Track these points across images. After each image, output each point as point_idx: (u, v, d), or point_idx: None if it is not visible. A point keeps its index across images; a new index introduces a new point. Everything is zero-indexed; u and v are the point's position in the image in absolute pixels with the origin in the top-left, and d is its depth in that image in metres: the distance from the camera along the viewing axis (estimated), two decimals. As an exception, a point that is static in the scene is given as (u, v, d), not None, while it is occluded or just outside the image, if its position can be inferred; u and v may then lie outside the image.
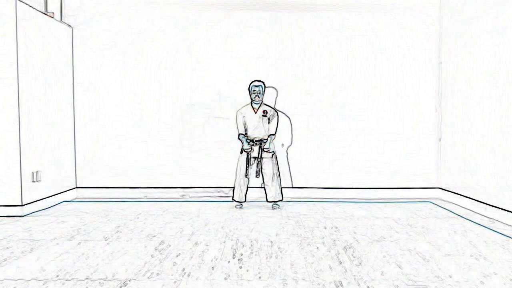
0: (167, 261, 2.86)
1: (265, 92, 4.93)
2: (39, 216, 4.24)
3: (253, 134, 4.67)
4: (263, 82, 4.72)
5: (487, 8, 4.19)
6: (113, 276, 2.57)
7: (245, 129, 4.71)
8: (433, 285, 2.45)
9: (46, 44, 4.64)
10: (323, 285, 2.45)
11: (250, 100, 4.79)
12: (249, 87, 4.72)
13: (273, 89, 5.20)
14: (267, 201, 4.69)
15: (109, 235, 3.53)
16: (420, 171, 5.25)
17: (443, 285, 2.44)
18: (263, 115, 4.68)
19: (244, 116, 4.71)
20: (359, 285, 2.44)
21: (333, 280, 2.52)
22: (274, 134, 4.71)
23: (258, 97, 4.65)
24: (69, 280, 2.50)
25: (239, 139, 4.72)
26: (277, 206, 4.71)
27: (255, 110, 4.69)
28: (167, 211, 4.51)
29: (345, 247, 3.20)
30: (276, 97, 5.21)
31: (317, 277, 2.56)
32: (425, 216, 4.26)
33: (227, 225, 3.88)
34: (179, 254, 3.02)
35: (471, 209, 4.50)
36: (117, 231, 3.64)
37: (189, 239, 3.40)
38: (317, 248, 3.17)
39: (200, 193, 5.29)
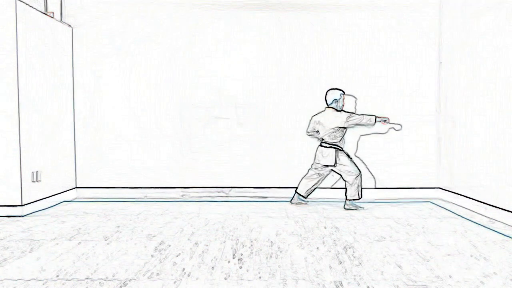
0: (167, 261, 2.86)
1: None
2: (39, 216, 4.24)
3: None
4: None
5: (487, 7, 4.19)
6: (113, 276, 2.57)
7: (317, 133, 4.81)
8: (433, 285, 2.45)
9: (46, 44, 4.63)
10: (323, 285, 2.45)
11: (332, 108, 4.76)
12: (339, 95, 4.74)
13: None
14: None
15: (109, 235, 3.53)
16: (420, 171, 5.25)
17: (443, 285, 2.44)
18: None
19: None
20: (359, 285, 2.44)
21: (333, 280, 2.52)
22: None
23: None
24: (69, 280, 2.50)
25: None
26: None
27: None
28: (167, 211, 4.51)
29: (345, 247, 3.20)
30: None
31: (317, 277, 2.56)
32: (425, 216, 4.26)
33: (227, 225, 3.88)
34: (179, 254, 3.02)
35: (471, 209, 4.50)
36: (117, 231, 3.64)
37: (189, 239, 3.40)
38: (317, 248, 3.17)
39: (200, 193, 5.29)
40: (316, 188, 4.90)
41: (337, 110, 4.74)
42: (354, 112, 5.12)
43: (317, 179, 4.82)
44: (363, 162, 5.17)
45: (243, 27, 5.25)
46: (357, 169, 4.67)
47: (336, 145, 4.70)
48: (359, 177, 4.64)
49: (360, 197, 4.64)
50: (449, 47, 4.99)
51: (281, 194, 5.24)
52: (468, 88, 4.56)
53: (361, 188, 4.68)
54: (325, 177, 4.85)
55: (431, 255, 2.99)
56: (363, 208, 4.64)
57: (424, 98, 5.23)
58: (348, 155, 4.73)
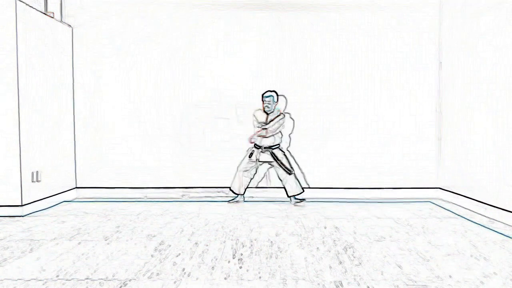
0: (167, 261, 2.86)
1: (278, 100, 5.01)
2: (39, 216, 4.24)
3: (261, 141, 4.91)
4: (274, 92, 4.96)
5: (487, 7, 4.19)
6: (113, 276, 2.57)
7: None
8: (433, 285, 2.45)
9: (46, 44, 4.63)
10: (323, 285, 2.45)
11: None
12: (262, 97, 4.97)
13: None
14: (288, 197, 4.90)
15: (109, 235, 3.53)
16: (420, 171, 5.25)
17: (443, 285, 2.44)
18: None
19: (256, 120, 4.97)
20: (359, 285, 2.44)
21: (333, 280, 2.52)
22: (266, 129, 4.88)
23: (268, 106, 4.89)
24: (69, 280, 2.50)
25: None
26: (299, 201, 4.84)
27: (266, 118, 4.92)
28: (167, 211, 4.51)
29: (345, 247, 3.20)
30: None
31: (317, 277, 2.56)
32: (425, 216, 4.26)
33: (227, 225, 3.88)
34: (179, 254, 3.02)
35: (471, 209, 4.50)
36: (117, 231, 3.64)
37: (189, 239, 3.40)
38: (317, 248, 3.17)
39: (200, 193, 5.29)
40: (291, 178, 4.90)
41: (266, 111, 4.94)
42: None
43: (283, 175, 4.89)
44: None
45: (243, 27, 5.25)
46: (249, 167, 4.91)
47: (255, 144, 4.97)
48: (245, 172, 4.92)
49: (235, 193, 4.93)
50: (449, 47, 4.99)
51: (281, 194, 5.24)
52: (468, 88, 4.56)
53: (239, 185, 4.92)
54: (278, 169, 4.91)
55: (431, 255, 2.99)
56: (233, 201, 4.92)
57: (424, 98, 5.23)
58: (251, 155, 4.88)
